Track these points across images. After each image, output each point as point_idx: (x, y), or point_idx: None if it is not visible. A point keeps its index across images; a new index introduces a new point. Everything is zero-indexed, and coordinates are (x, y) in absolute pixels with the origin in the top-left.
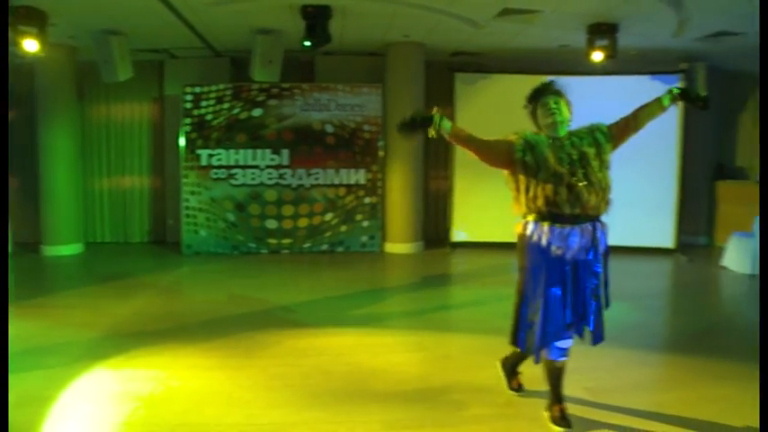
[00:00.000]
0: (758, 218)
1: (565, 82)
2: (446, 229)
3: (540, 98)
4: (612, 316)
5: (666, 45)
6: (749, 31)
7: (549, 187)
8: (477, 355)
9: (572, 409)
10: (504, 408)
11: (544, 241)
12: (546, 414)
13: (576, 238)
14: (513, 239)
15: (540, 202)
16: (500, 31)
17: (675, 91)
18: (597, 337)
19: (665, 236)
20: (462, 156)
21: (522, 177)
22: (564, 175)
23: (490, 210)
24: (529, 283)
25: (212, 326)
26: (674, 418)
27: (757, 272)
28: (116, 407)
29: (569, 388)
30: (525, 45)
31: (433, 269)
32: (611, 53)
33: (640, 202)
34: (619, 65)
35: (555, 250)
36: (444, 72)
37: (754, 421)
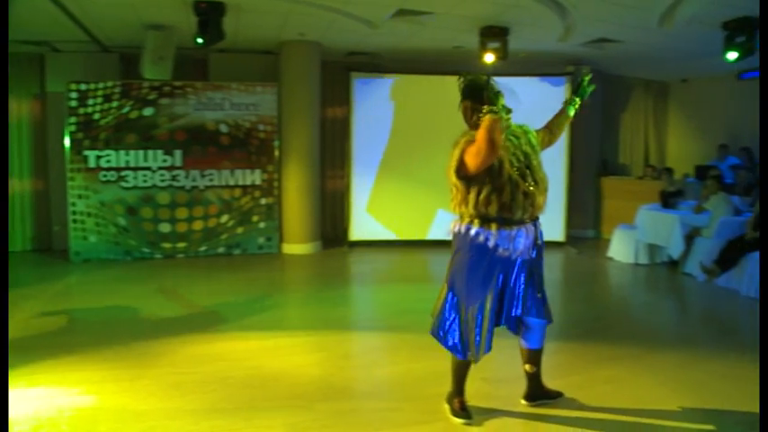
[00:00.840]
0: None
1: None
2: (344, 229)
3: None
4: None
5: (554, 49)
6: (628, 39)
7: (507, 193)
8: (376, 352)
9: (471, 399)
10: (402, 402)
11: (492, 243)
12: (446, 407)
13: (522, 239)
14: (410, 237)
15: (494, 207)
16: (396, 32)
17: (578, 100)
18: (548, 319)
19: (555, 230)
20: (359, 154)
21: (477, 180)
22: (519, 181)
23: (387, 208)
24: (464, 284)
25: (103, 337)
26: (567, 401)
27: (640, 261)
28: None
29: (469, 380)
30: (420, 45)
31: (332, 269)
32: (503, 55)
33: None
34: (509, 66)
35: (502, 252)
36: (341, 72)
37: (642, 400)
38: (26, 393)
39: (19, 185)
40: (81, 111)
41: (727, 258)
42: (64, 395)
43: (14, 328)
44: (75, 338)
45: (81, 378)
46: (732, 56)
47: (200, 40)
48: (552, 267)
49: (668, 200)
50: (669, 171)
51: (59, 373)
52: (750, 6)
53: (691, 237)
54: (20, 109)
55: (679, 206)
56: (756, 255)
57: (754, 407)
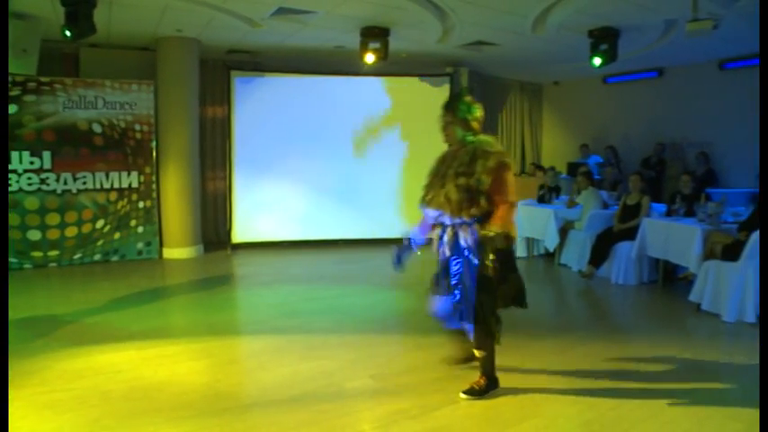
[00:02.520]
0: None
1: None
2: (226, 231)
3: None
4: (391, 305)
5: (434, 50)
6: (503, 43)
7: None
8: (262, 355)
9: (360, 397)
10: (291, 404)
11: None
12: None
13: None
14: (293, 238)
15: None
16: (276, 30)
17: None
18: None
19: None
20: (240, 154)
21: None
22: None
23: (270, 209)
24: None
25: None
26: (453, 391)
27: (518, 254)
28: None
29: (356, 378)
30: (302, 45)
31: (215, 272)
32: (383, 55)
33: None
34: (391, 66)
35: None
36: (221, 70)
37: (527, 385)
38: None
39: None
40: None
41: (598, 253)
42: None
43: None
44: None
45: None
46: (597, 61)
47: (68, 33)
48: (432, 263)
49: (544, 195)
50: (553, 169)
51: None
52: (611, 17)
53: (564, 230)
54: None
55: (553, 201)
56: (623, 245)
57: (624, 382)
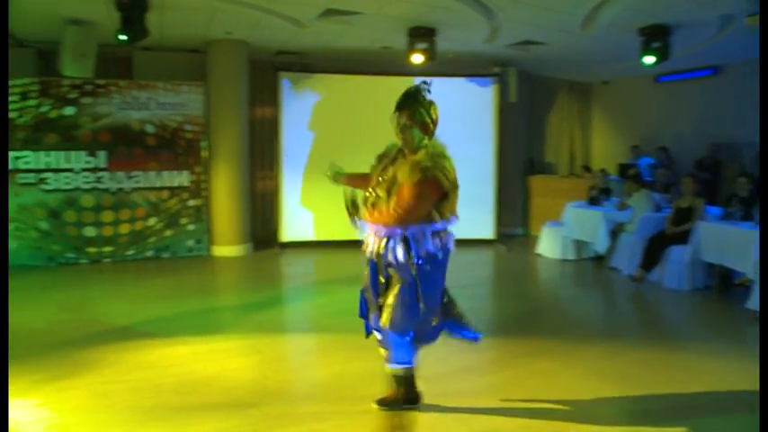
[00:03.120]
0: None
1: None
2: (274, 230)
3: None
4: None
5: (481, 50)
6: (552, 42)
7: None
8: (310, 354)
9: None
10: (336, 404)
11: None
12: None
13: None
14: (341, 237)
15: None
16: (324, 31)
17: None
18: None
19: (485, 228)
20: (288, 154)
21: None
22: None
23: (317, 209)
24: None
25: (26, 347)
26: (500, 394)
27: (568, 257)
28: None
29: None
30: (349, 45)
31: (263, 271)
32: (431, 56)
33: (462, 197)
34: (438, 67)
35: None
36: (269, 71)
37: (572, 390)
38: None
39: None
40: None
41: (650, 257)
42: None
43: None
44: None
45: None
46: (649, 60)
47: (123, 37)
48: (483, 265)
49: (594, 197)
50: (603, 171)
51: None
52: (663, 14)
53: (615, 232)
54: None
55: (603, 203)
56: (676, 249)
57: (676, 389)
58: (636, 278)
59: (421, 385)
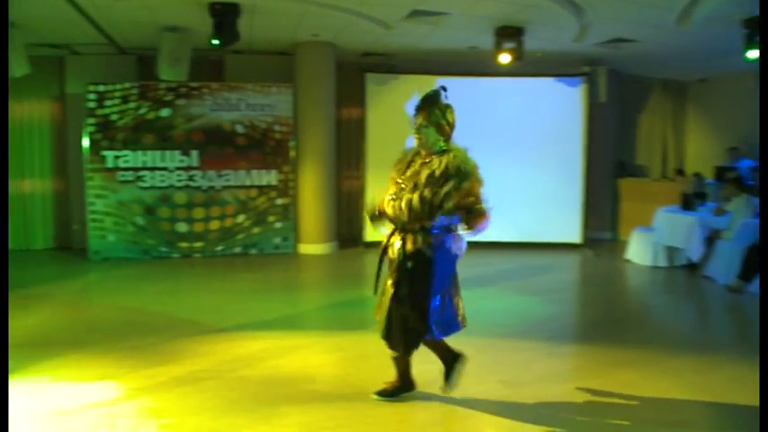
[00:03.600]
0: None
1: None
2: (359, 229)
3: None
4: (523, 310)
5: (569, 49)
6: (644, 39)
7: None
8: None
9: (487, 401)
10: (417, 403)
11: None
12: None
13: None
14: None
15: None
16: (410, 33)
17: None
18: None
19: (572, 232)
20: (374, 154)
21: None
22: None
23: None
24: None
25: (122, 335)
26: (583, 405)
27: (658, 263)
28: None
29: (485, 382)
30: (435, 46)
31: (348, 269)
32: (518, 55)
33: (548, 200)
34: (525, 67)
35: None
36: (356, 72)
37: (662, 406)
38: (48, 388)
39: (40, 185)
40: (99, 112)
41: (750, 267)
42: (84, 391)
43: (36, 325)
44: (95, 336)
45: (100, 374)
46: (753, 54)
47: (215, 42)
48: (569, 270)
49: (689, 201)
50: (698, 175)
51: (80, 369)
52: None
53: (711, 239)
54: (40, 110)
55: (698, 208)
56: None
57: None
58: (733, 289)
59: (503, 390)
